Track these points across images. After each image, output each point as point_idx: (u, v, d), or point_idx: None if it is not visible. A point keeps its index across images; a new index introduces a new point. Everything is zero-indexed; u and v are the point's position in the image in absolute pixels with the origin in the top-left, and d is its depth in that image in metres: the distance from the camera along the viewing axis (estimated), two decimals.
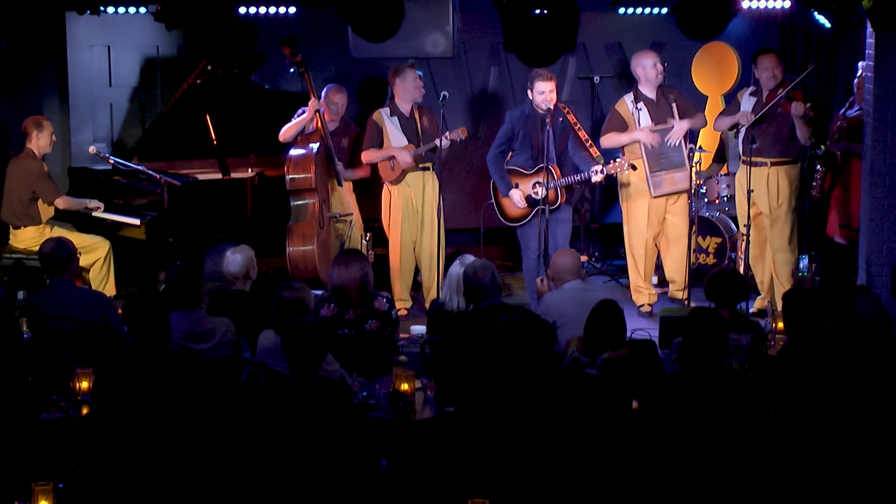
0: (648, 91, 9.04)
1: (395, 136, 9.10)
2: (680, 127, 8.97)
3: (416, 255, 9.30)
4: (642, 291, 9.28)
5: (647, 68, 8.97)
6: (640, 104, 8.98)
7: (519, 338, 5.40)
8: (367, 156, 9.17)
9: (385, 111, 9.15)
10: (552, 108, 8.68)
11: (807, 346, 5.54)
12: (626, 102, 9.07)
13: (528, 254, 9.03)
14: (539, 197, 8.79)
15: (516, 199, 8.86)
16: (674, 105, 9.01)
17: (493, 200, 9.11)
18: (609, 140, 9.09)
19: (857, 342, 5.82)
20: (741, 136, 8.83)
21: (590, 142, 8.77)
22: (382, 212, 9.28)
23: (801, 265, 8.35)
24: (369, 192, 9.61)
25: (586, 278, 9.23)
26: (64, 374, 6.15)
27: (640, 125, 8.99)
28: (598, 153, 8.74)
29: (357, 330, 6.68)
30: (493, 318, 5.68)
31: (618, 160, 8.64)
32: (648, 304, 9.23)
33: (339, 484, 5.21)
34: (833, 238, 9.15)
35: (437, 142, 8.84)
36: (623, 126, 9.05)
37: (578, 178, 8.70)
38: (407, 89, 9.06)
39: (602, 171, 8.58)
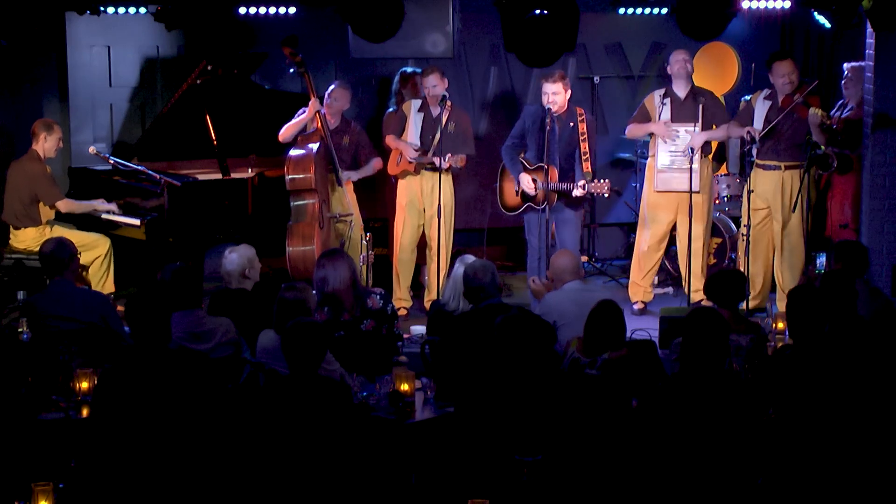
0: (679, 89, 9.12)
1: (412, 131, 9.15)
2: (696, 138, 8.96)
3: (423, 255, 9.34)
4: (636, 288, 9.33)
5: (670, 64, 9.14)
6: (667, 100, 9.08)
7: (516, 337, 5.41)
8: (387, 139, 9.28)
9: (416, 103, 9.22)
10: (554, 109, 8.77)
11: (808, 345, 5.54)
12: (655, 96, 9.23)
13: (531, 252, 9.05)
14: (531, 193, 8.88)
15: (524, 182, 8.93)
16: (700, 107, 9.01)
17: (497, 185, 9.25)
18: (631, 131, 9.28)
19: (857, 343, 5.83)
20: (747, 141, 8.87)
21: (587, 155, 8.79)
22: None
23: (819, 262, 8.34)
24: (369, 193, 9.61)
25: (586, 278, 9.24)
26: (64, 374, 6.15)
27: (660, 119, 9.08)
28: (590, 169, 8.76)
29: (353, 331, 6.67)
30: (493, 319, 5.68)
31: (602, 181, 8.66)
32: (642, 302, 9.25)
33: (339, 484, 5.21)
34: (831, 239, 9.14)
35: (437, 160, 8.86)
36: (646, 118, 9.20)
37: (563, 187, 8.74)
38: (425, 91, 9.10)
39: (583, 188, 8.65)
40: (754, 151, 8.87)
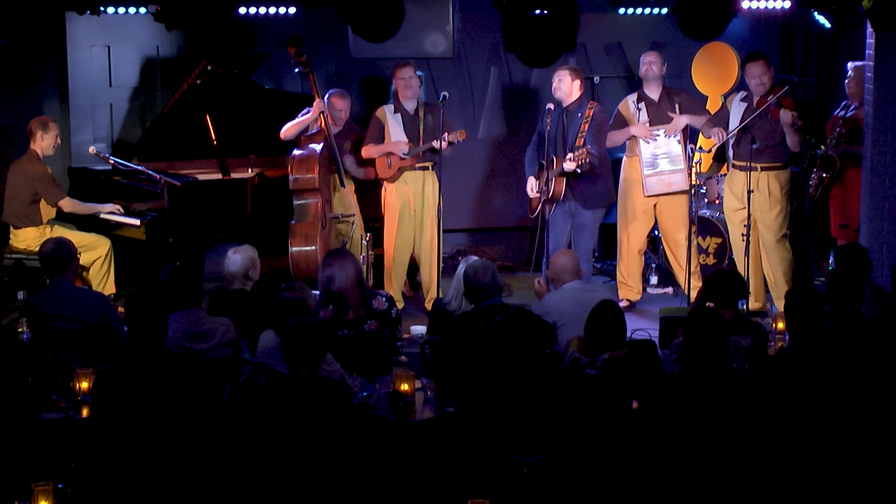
0: (652, 91, 9.15)
1: (396, 133, 9.13)
2: (678, 121, 9.03)
3: (416, 255, 9.33)
4: (623, 286, 9.40)
5: (641, 65, 9.16)
6: (641, 104, 9.10)
7: (515, 336, 5.41)
8: (367, 151, 9.20)
9: (389, 108, 9.20)
10: (557, 96, 8.92)
11: (808, 346, 5.54)
12: (629, 101, 9.25)
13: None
14: (533, 196, 9.05)
15: (528, 187, 9.08)
16: (677, 106, 9.07)
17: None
18: (611, 138, 9.23)
19: (859, 342, 5.83)
20: (731, 141, 8.88)
21: (583, 133, 8.85)
22: (383, 210, 9.29)
23: (832, 260, 8.36)
24: (370, 193, 9.61)
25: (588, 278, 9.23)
26: (64, 374, 6.15)
27: (638, 123, 9.10)
28: (582, 143, 8.83)
29: (356, 331, 6.68)
30: (494, 319, 5.68)
31: (581, 149, 8.69)
32: (627, 301, 9.29)
33: (339, 484, 5.21)
34: (837, 240, 9.15)
35: (435, 143, 8.90)
36: (623, 125, 9.23)
37: (559, 169, 8.78)
38: (399, 88, 9.12)
39: (571, 160, 8.69)
40: (729, 153, 8.95)
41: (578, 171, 8.76)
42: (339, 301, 6.69)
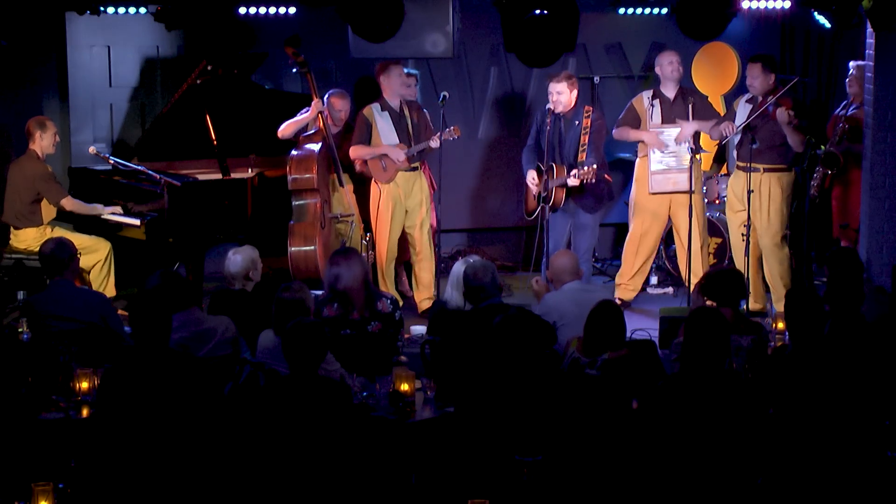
0: (668, 90, 9.19)
1: (385, 132, 9.11)
2: (688, 128, 9.03)
3: (412, 256, 9.34)
4: (620, 286, 9.40)
5: (662, 66, 9.18)
6: (656, 101, 9.12)
7: (514, 336, 5.42)
8: (356, 151, 9.15)
9: (376, 107, 9.18)
10: (558, 109, 8.90)
11: (808, 346, 5.54)
12: (643, 98, 9.27)
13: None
14: (534, 190, 9.01)
15: (529, 179, 9.03)
16: (690, 107, 9.06)
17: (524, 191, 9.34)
18: (619, 133, 9.32)
19: (859, 341, 5.84)
20: (735, 141, 8.88)
21: (584, 147, 8.85)
22: (371, 210, 9.26)
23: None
24: (369, 193, 9.61)
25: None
26: (64, 374, 6.16)
27: (651, 121, 9.10)
28: (584, 158, 8.82)
29: (359, 331, 6.68)
30: (494, 319, 5.68)
31: (587, 167, 8.68)
32: (620, 300, 9.30)
33: (339, 484, 5.21)
34: (839, 240, 9.14)
35: (429, 143, 8.91)
36: (636, 120, 9.24)
37: (559, 181, 8.78)
38: (392, 86, 9.11)
39: (576, 177, 8.69)
40: (734, 154, 8.94)
41: (582, 186, 8.80)
42: (344, 300, 6.70)
